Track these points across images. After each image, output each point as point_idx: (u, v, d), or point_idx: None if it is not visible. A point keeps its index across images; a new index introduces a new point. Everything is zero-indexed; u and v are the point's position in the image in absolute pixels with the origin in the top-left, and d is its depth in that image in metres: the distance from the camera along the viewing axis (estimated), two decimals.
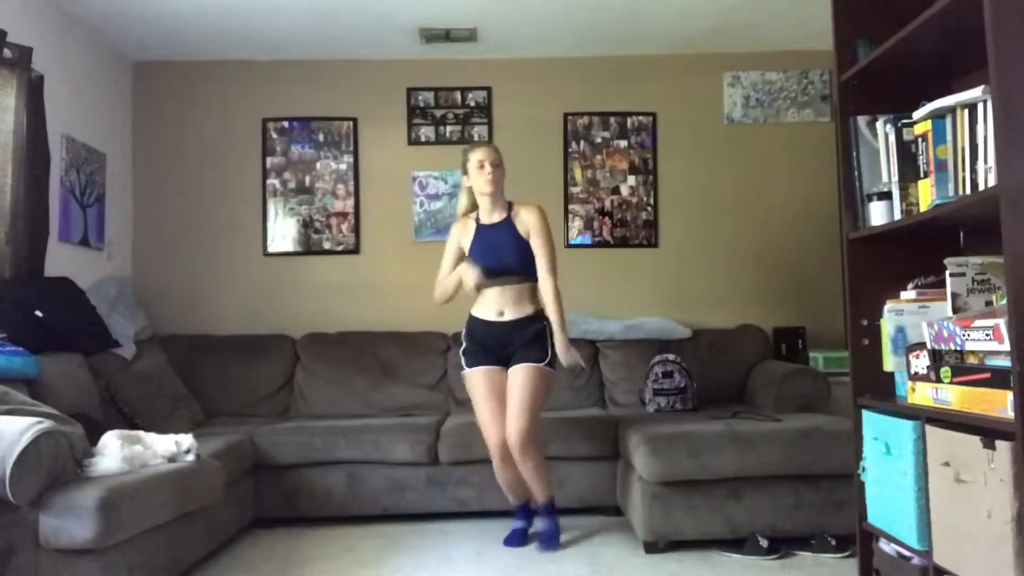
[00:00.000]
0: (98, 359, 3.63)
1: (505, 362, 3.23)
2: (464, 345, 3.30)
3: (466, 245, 3.32)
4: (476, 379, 3.22)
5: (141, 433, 2.92)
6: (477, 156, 3.25)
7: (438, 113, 4.69)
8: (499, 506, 3.55)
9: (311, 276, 4.63)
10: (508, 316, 3.22)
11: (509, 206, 3.30)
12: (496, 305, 3.23)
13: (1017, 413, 1.61)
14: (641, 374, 4.01)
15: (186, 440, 2.91)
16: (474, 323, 3.28)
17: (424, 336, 4.38)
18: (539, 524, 3.26)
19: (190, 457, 2.87)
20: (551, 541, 3.18)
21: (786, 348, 4.41)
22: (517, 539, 3.25)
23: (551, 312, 3.23)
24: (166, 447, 2.86)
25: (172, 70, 4.63)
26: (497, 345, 3.22)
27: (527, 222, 3.25)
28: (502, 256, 3.23)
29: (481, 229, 3.29)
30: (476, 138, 4.66)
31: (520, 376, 3.15)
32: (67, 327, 3.47)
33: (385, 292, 4.58)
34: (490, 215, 3.29)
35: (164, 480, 2.68)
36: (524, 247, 3.24)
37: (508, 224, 3.27)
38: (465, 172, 3.31)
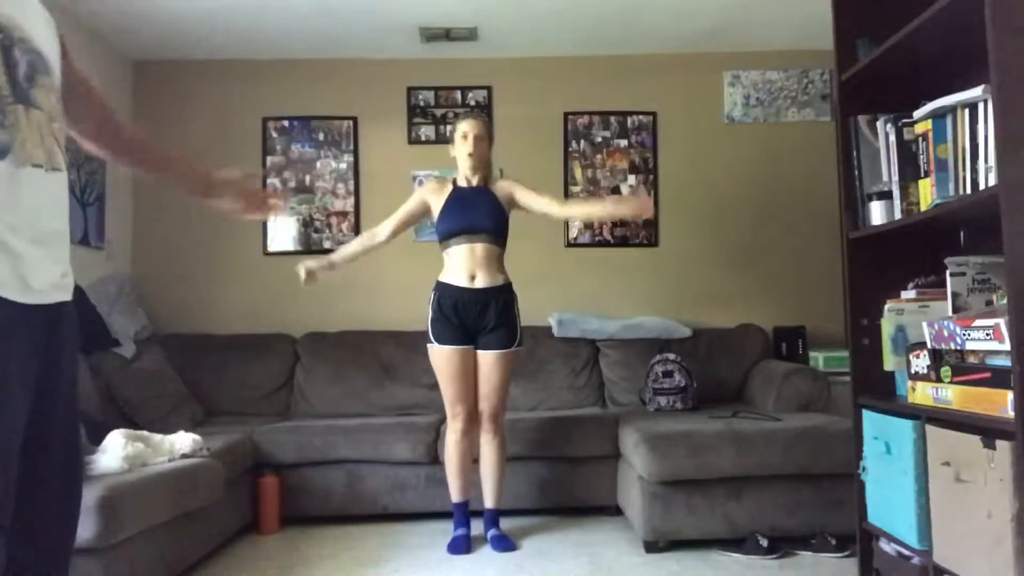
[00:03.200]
0: (98, 358, 3.63)
1: (473, 337, 3.24)
2: (431, 314, 3.27)
3: (436, 205, 3.32)
4: (443, 358, 3.23)
5: (146, 433, 2.95)
6: (462, 128, 3.32)
7: (438, 112, 4.69)
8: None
9: None
10: (480, 283, 3.22)
11: (486, 178, 3.36)
12: (467, 268, 3.23)
13: (1017, 413, 1.61)
14: (641, 373, 4.01)
15: (199, 438, 3.06)
16: (443, 289, 3.26)
17: (424, 336, 4.36)
18: (490, 532, 3.25)
19: (203, 453, 3.03)
20: (509, 543, 3.18)
21: (786, 348, 4.41)
22: (462, 546, 3.17)
23: (581, 207, 3.51)
24: (184, 444, 2.98)
25: (172, 69, 4.63)
26: (466, 316, 3.21)
27: (505, 188, 3.32)
28: (475, 215, 3.25)
29: (458, 190, 3.32)
30: None
31: (491, 363, 3.22)
32: None
33: (385, 292, 4.57)
34: (469, 181, 3.34)
35: (164, 480, 2.69)
36: (499, 214, 3.28)
37: (486, 190, 3.32)
38: (452, 142, 3.38)
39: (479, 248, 3.23)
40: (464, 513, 3.28)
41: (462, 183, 3.34)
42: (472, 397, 3.25)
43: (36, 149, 1.32)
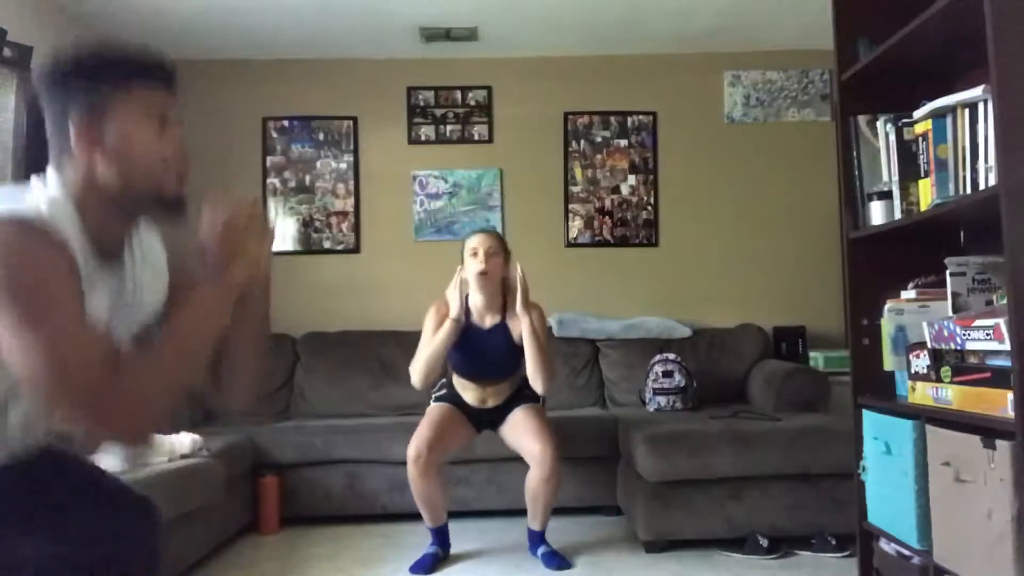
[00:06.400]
0: None
1: (487, 424, 3.14)
2: (437, 394, 3.17)
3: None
4: (441, 409, 3.06)
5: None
6: (471, 243, 2.97)
7: (438, 112, 4.69)
8: (499, 505, 3.55)
9: (311, 275, 4.63)
10: (491, 404, 3.12)
11: (504, 304, 3.03)
12: (477, 396, 3.12)
13: (1017, 413, 1.61)
14: (641, 373, 4.01)
15: (199, 438, 3.06)
16: (454, 398, 3.12)
17: None
18: (540, 550, 3.01)
19: (204, 453, 3.03)
20: (562, 561, 2.96)
21: (786, 347, 4.41)
22: (427, 564, 2.93)
23: (530, 350, 2.90)
24: (184, 444, 2.97)
25: None
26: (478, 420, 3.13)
27: (519, 323, 2.95)
28: (485, 366, 3.05)
29: (471, 329, 3.01)
30: (476, 137, 4.66)
31: (524, 413, 3.03)
32: None
33: (385, 291, 4.57)
34: (482, 316, 3.04)
35: (163, 480, 2.68)
36: (514, 354, 3.00)
37: (502, 329, 3.02)
38: (462, 261, 3.00)
39: (490, 386, 3.09)
40: (442, 535, 3.09)
41: (475, 318, 3.02)
42: (435, 450, 2.91)
43: None
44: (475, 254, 2.93)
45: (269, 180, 4.66)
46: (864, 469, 2.35)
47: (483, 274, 2.91)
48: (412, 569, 2.92)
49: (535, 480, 2.95)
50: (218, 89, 4.65)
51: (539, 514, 3.03)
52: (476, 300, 3.01)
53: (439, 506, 3.04)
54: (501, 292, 3.02)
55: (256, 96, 4.66)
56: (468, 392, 3.14)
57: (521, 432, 3.00)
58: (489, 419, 3.16)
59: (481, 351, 3.00)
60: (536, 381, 2.93)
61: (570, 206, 4.68)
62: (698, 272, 4.64)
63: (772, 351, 4.36)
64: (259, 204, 1.31)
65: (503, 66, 4.68)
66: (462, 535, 3.30)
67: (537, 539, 3.07)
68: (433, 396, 3.21)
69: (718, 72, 4.72)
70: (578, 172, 4.71)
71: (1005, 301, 1.71)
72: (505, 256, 3.01)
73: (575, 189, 4.69)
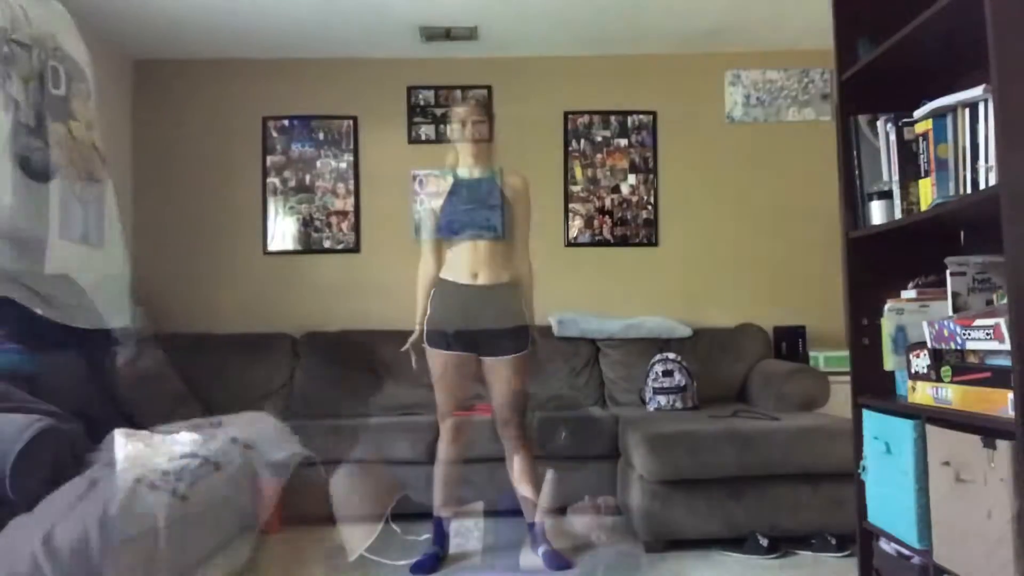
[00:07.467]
0: (98, 358, 3.63)
1: (475, 346, 3.02)
2: (430, 312, 3.06)
3: (437, 204, 3.11)
4: (439, 361, 3.03)
5: (147, 433, 2.95)
6: (458, 117, 3.13)
7: (438, 112, 4.69)
8: (500, 505, 3.55)
9: (311, 275, 4.63)
10: (482, 279, 3.01)
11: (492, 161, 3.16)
12: (469, 264, 3.02)
13: (1017, 412, 1.60)
14: (641, 373, 4.01)
15: (199, 438, 3.02)
16: (444, 286, 3.05)
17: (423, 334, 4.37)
18: (540, 550, 3.00)
19: (204, 453, 2.97)
20: (562, 561, 2.95)
21: (786, 347, 4.41)
22: (428, 564, 2.95)
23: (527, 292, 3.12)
24: (184, 444, 2.94)
25: (172, 69, 4.63)
26: (468, 318, 2.99)
27: (514, 185, 3.12)
28: (479, 211, 3.04)
29: (460, 182, 3.11)
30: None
31: (503, 373, 3.02)
32: (67, 325, 3.46)
33: (385, 291, 4.56)
34: (471, 170, 3.13)
35: (165, 480, 2.68)
36: (502, 206, 3.08)
37: (492, 181, 3.11)
38: (452, 133, 3.22)
39: (482, 245, 3.03)
40: (442, 530, 3.10)
41: (463, 173, 3.13)
42: (460, 407, 3.07)
43: (77, 164, 1.24)
44: (463, 125, 3.11)
45: (269, 180, 4.66)
46: (864, 469, 2.35)
47: (472, 142, 3.10)
48: (412, 569, 2.93)
49: (507, 452, 3.09)
50: (218, 88, 4.66)
51: (527, 493, 3.06)
52: (468, 160, 3.14)
53: (457, 483, 3.12)
54: (488, 152, 3.17)
55: (256, 96, 4.66)
56: (461, 264, 3.04)
57: (495, 393, 3.07)
58: (479, 320, 3.00)
59: (471, 197, 3.09)
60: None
61: (570, 205, 4.68)
62: (698, 272, 4.64)
63: (772, 351, 4.36)
64: None
65: (503, 66, 4.68)
66: (462, 535, 3.30)
67: (537, 535, 3.06)
68: (426, 319, 3.07)
69: (718, 72, 4.71)
70: (578, 171, 4.71)
71: (1005, 301, 1.71)
72: (490, 120, 3.16)
73: (575, 188, 4.69)
